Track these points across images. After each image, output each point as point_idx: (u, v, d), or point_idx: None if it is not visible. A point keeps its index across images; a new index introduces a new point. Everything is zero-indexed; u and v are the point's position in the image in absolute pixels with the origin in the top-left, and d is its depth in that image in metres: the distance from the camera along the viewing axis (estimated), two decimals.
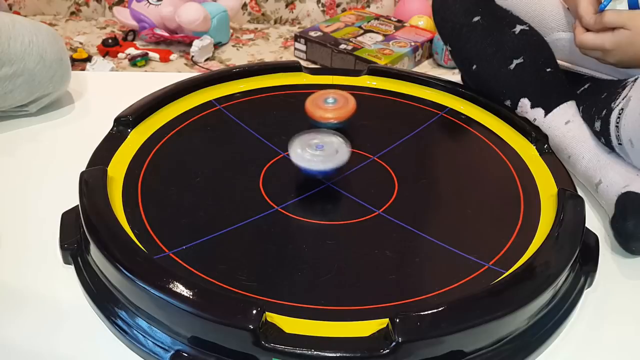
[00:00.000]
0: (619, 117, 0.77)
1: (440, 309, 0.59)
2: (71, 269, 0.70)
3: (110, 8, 1.60)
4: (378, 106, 0.96)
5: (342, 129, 0.79)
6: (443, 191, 0.81)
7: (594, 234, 0.76)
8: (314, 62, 1.41)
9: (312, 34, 1.42)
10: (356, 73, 1.02)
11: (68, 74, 0.98)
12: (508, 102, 0.92)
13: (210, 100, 0.93)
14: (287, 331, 0.57)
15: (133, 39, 1.47)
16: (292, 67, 1.01)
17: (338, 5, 1.63)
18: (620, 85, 0.83)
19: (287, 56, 1.46)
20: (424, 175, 0.84)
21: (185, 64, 1.38)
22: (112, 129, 0.84)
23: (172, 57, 1.39)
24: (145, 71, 1.35)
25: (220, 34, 1.47)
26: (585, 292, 0.70)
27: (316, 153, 0.74)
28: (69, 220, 0.73)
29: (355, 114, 0.83)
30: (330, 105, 0.82)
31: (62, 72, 0.96)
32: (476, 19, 0.93)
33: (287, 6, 1.63)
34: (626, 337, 0.67)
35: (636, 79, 0.79)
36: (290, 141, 0.75)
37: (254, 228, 0.71)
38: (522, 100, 0.91)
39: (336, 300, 0.63)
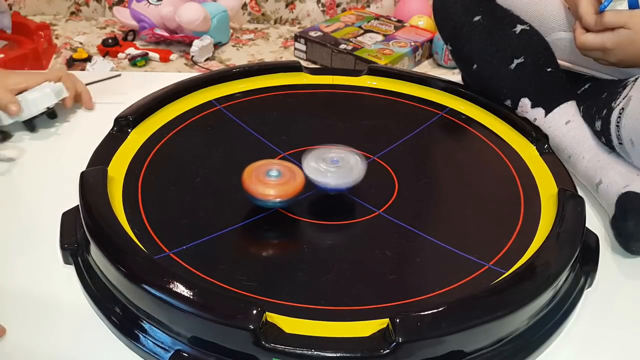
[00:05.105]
0: (619, 117, 0.77)
1: (440, 309, 0.58)
2: (71, 269, 0.70)
3: (110, 8, 1.59)
4: (378, 106, 0.96)
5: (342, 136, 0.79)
6: (443, 191, 0.81)
7: (594, 234, 0.76)
8: (314, 62, 1.41)
9: (312, 34, 1.42)
10: (356, 73, 1.02)
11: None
12: (508, 102, 0.92)
13: (210, 100, 0.93)
14: (287, 331, 0.57)
15: (133, 39, 1.47)
16: (292, 67, 1.01)
17: (338, 5, 1.63)
18: (620, 85, 0.83)
19: (287, 56, 1.46)
20: (424, 175, 0.84)
21: (185, 64, 1.38)
22: (112, 129, 0.84)
23: (172, 57, 1.39)
24: (145, 71, 1.34)
25: (220, 34, 1.46)
26: (585, 292, 0.70)
27: (331, 168, 0.71)
28: (69, 220, 0.73)
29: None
30: (273, 180, 0.70)
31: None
32: (477, 18, 0.93)
33: (287, 6, 1.62)
34: (626, 337, 0.67)
35: (637, 79, 0.79)
36: (304, 155, 0.72)
37: (254, 228, 0.71)
38: (522, 100, 0.90)
39: (336, 300, 0.63)
